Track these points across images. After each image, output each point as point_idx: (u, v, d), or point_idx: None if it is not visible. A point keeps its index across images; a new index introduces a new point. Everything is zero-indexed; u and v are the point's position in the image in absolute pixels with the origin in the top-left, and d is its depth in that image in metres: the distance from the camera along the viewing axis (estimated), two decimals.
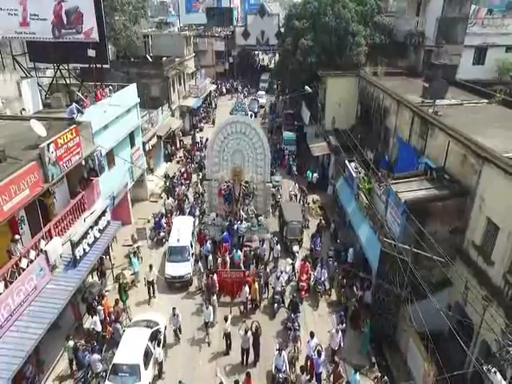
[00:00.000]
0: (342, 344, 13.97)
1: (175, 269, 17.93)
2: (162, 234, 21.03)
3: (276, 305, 16.35)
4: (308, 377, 12.75)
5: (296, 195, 24.89)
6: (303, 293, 17.09)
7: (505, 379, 7.08)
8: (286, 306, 16.40)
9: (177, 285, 17.96)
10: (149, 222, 22.58)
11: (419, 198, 13.88)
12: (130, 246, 19.91)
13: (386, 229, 14.84)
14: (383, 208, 15.69)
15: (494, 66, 26.26)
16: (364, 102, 25.97)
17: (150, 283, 17.22)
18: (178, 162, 32.03)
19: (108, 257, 17.98)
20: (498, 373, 7.20)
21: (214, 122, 40.30)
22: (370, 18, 29.08)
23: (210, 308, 15.19)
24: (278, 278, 16.53)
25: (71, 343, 13.46)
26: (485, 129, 15.20)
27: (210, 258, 18.28)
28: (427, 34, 26.14)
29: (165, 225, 21.36)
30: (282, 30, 40.80)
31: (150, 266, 17.28)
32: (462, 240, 13.89)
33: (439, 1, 24.75)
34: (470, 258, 13.49)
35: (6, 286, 11.35)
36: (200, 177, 27.05)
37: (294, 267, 18.17)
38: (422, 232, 12.95)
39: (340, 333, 13.89)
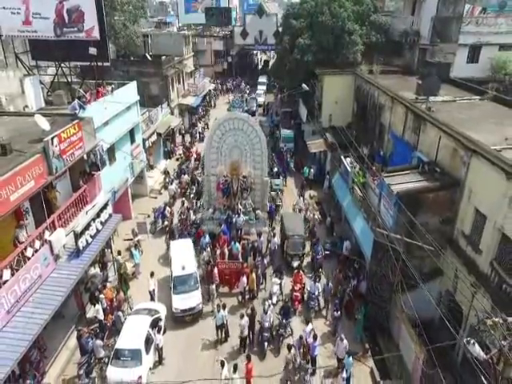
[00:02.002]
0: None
1: (184, 301, 15.86)
2: (166, 222, 21.69)
3: (266, 343, 14.65)
4: (304, 361, 13.24)
5: (301, 210, 23.24)
6: (296, 303, 16.54)
7: (483, 350, 7.62)
8: (277, 311, 15.88)
9: (187, 318, 15.92)
10: (149, 216, 23.03)
11: (411, 189, 14.36)
12: (131, 239, 20.36)
13: (380, 220, 15.33)
14: (377, 200, 16.17)
15: (487, 64, 26.62)
16: (360, 99, 26.45)
17: (151, 293, 16.80)
18: (177, 160, 32.47)
19: (110, 249, 18.42)
20: (476, 344, 7.69)
21: (208, 127, 39.02)
22: (366, 17, 29.56)
23: (222, 312, 14.80)
24: (265, 313, 14.69)
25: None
26: (476, 124, 15.68)
27: (209, 249, 18.66)
28: (422, 33, 26.64)
29: (168, 214, 21.98)
30: (280, 29, 41.27)
31: (152, 274, 17.11)
32: (452, 230, 14.38)
33: (434, 0, 25.24)
34: (459, 248, 13.98)
35: (13, 274, 11.80)
36: (194, 190, 25.39)
37: (281, 287, 16.96)
38: (414, 222, 13.45)
39: (345, 341, 13.63)
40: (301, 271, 17.61)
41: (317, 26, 28.35)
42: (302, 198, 24.31)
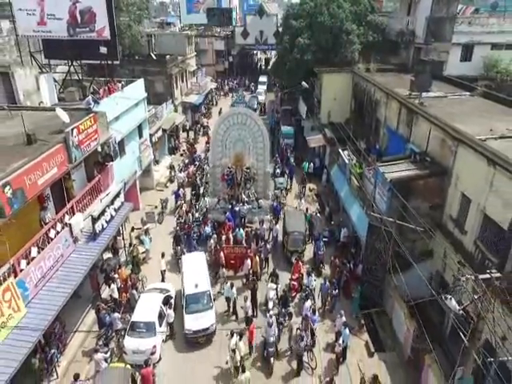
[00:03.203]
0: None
1: (197, 321, 14.88)
2: (179, 202, 23.46)
3: (272, 359, 14.04)
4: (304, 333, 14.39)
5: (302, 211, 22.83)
6: (293, 292, 17.17)
7: (459, 305, 8.74)
8: (277, 300, 16.50)
9: (200, 340, 14.97)
10: (156, 207, 24.19)
11: (403, 176, 15.53)
12: (140, 229, 21.52)
13: (375, 206, 16.49)
14: (372, 189, 17.34)
15: (480, 62, 27.65)
16: (357, 96, 27.58)
17: (162, 273, 18.12)
18: (181, 155, 33.60)
19: (121, 237, 19.56)
20: (452, 299, 8.82)
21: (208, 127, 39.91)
22: (363, 17, 30.71)
23: (229, 284, 16.19)
24: (270, 326, 14.03)
25: None
26: (465, 117, 16.77)
27: (215, 236, 19.81)
28: (417, 33, 27.68)
29: (182, 195, 24.07)
30: (281, 29, 42.41)
31: (162, 255, 18.33)
32: (441, 215, 15.54)
33: (428, 1, 26.35)
34: (448, 231, 15.13)
35: (39, 252, 12.96)
36: (193, 194, 25.14)
37: (277, 292, 16.84)
38: (406, 207, 14.58)
39: (344, 317, 14.61)
40: (300, 262, 18.21)
41: (316, 26, 29.49)
42: (302, 200, 24.73)
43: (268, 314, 14.81)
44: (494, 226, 12.44)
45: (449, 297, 8.75)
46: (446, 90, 22.37)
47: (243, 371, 12.50)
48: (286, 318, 15.62)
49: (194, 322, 14.89)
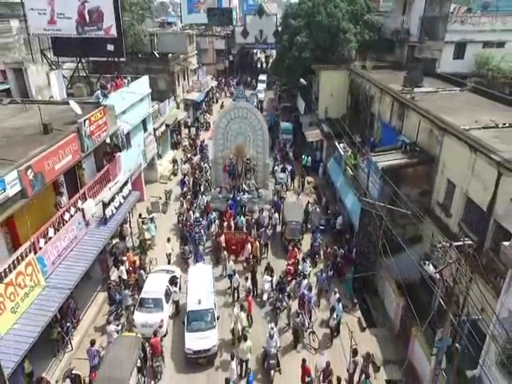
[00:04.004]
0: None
1: (198, 341, 14.04)
2: (184, 189, 24.71)
3: (272, 371, 13.57)
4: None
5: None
6: (289, 276, 17.79)
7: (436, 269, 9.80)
8: (274, 286, 16.78)
9: (200, 361, 14.08)
10: (160, 198, 25.24)
11: (394, 165, 16.61)
12: (145, 218, 22.55)
13: (368, 194, 17.55)
14: (365, 177, 18.40)
15: (472, 60, 28.65)
16: (354, 92, 28.62)
17: (168, 256, 19.33)
18: (183, 150, 34.63)
19: (128, 224, 20.60)
20: (430, 264, 9.87)
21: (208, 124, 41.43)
22: (360, 16, 31.81)
23: (231, 263, 17.40)
24: (271, 337, 13.53)
25: None
26: (453, 110, 17.83)
27: (217, 222, 20.90)
28: (412, 31, 28.76)
29: (187, 182, 25.39)
30: (280, 28, 43.40)
31: (168, 239, 19.50)
32: (430, 201, 16.61)
33: (422, 1, 27.40)
34: (435, 215, 16.19)
35: (55, 233, 14.02)
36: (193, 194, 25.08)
37: (272, 284, 16.97)
38: (397, 194, 15.62)
39: (338, 294, 15.49)
40: (296, 248, 18.86)
41: (314, 25, 30.57)
42: (300, 196, 25.63)
43: (269, 326, 14.34)
44: (475, 207, 13.53)
45: (427, 262, 9.84)
46: (438, 85, 23.43)
47: (245, 340, 13.55)
48: (284, 303, 16.33)
49: (194, 342, 14.03)
